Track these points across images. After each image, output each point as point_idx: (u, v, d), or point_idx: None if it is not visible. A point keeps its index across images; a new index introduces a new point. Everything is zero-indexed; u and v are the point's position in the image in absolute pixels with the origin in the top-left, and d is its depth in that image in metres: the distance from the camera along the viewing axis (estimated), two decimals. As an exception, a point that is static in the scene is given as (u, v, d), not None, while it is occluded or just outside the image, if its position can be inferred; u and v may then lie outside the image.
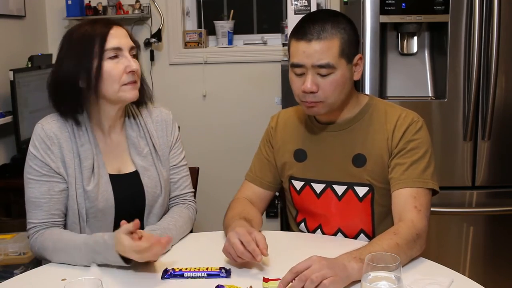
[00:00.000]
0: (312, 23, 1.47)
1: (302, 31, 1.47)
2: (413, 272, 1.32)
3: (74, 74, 1.47)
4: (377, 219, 1.58)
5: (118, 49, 1.48)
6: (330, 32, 1.46)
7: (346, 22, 1.51)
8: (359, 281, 1.13)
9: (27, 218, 1.52)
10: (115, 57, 1.48)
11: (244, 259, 1.34)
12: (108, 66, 1.47)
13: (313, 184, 1.61)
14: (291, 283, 1.18)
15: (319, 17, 1.50)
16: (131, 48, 1.52)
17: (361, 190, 1.56)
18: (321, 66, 1.45)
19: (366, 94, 1.65)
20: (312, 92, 1.47)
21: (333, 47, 1.45)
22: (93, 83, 1.47)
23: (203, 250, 1.54)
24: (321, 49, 1.45)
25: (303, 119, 1.66)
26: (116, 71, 1.48)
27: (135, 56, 1.54)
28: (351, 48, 1.49)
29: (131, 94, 1.52)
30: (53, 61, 3.11)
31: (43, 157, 1.50)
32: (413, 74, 2.49)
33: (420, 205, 1.45)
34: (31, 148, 1.52)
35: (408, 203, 1.45)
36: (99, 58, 1.46)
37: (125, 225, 1.34)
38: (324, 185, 1.60)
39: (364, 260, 1.18)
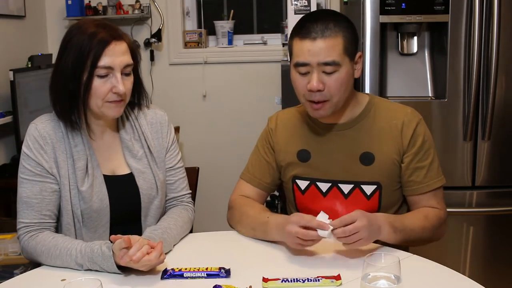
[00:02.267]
0: (315, 22, 1.48)
1: (305, 30, 1.48)
2: (413, 272, 1.32)
3: (66, 79, 1.47)
4: (382, 211, 1.59)
5: (109, 68, 1.46)
6: (334, 30, 1.47)
7: (346, 21, 1.52)
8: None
9: (17, 217, 1.51)
10: (105, 75, 1.46)
11: (314, 240, 1.40)
12: (96, 83, 1.46)
13: (318, 184, 1.61)
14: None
15: (321, 16, 1.51)
16: (126, 66, 1.49)
17: (369, 189, 1.57)
18: (326, 64, 1.46)
19: (366, 93, 1.66)
20: (318, 90, 1.48)
21: (338, 45, 1.47)
22: (81, 95, 1.47)
23: (203, 250, 1.54)
24: (327, 47, 1.46)
25: (304, 119, 1.66)
26: (103, 89, 1.46)
27: (131, 73, 1.52)
28: (353, 46, 1.51)
29: (114, 112, 1.50)
30: (53, 61, 3.12)
31: (36, 157, 1.50)
32: (413, 74, 2.49)
33: (440, 199, 1.61)
34: (24, 148, 1.52)
35: (431, 202, 1.59)
36: (89, 73, 1.45)
37: (117, 242, 1.33)
38: (330, 184, 1.60)
39: (395, 227, 1.43)
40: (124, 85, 1.47)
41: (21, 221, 1.50)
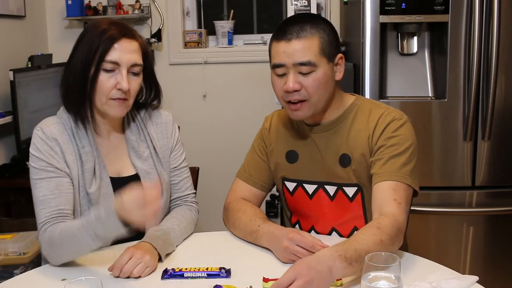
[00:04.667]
0: (291, 25, 1.48)
1: (281, 32, 1.48)
2: (413, 272, 1.32)
3: (76, 73, 1.47)
4: (369, 216, 1.57)
5: (116, 63, 1.45)
6: (310, 31, 1.47)
7: (325, 24, 1.52)
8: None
9: (37, 220, 1.46)
10: (112, 70, 1.46)
11: None
12: (102, 78, 1.45)
13: (305, 185, 1.61)
14: None
15: (298, 19, 1.51)
16: (133, 65, 1.48)
17: (350, 190, 1.56)
18: (302, 64, 1.46)
19: (353, 94, 1.64)
20: (295, 91, 1.47)
21: (313, 46, 1.46)
22: (88, 89, 1.47)
23: (203, 250, 1.54)
24: (302, 47, 1.45)
25: (294, 120, 1.66)
26: (107, 85, 1.46)
27: (139, 74, 1.51)
28: (331, 48, 1.50)
29: (116, 111, 1.49)
30: (53, 61, 3.12)
31: (48, 158, 1.47)
32: (413, 74, 2.49)
33: (400, 198, 1.42)
34: (33, 152, 1.49)
35: (388, 195, 1.43)
36: (96, 67, 1.44)
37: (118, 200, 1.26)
38: (316, 185, 1.60)
39: (348, 258, 1.20)
40: (129, 84, 1.47)
41: (39, 222, 1.45)
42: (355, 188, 1.55)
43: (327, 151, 1.58)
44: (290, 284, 1.13)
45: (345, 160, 1.55)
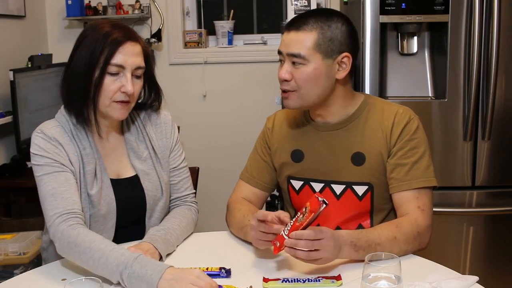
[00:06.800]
0: (302, 16, 1.53)
1: (290, 22, 1.54)
2: (413, 272, 1.32)
3: (78, 76, 1.46)
4: (375, 213, 1.59)
5: (121, 67, 1.46)
6: (311, 25, 1.49)
7: (339, 21, 1.51)
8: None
9: (46, 214, 1.41)
10: (116, 74, 1.46)
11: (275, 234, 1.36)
12: (107, 81, 1.45)
13: (312, 184, 1.61)
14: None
15: (312, 11, 1.56)
16: (137, 68, 1.49)
17: (360, 189, 1.57)
18: (293, 55, 1.49)
19: (362, 93, 1.65)
20: (286, 80, 1.51)
21: (308, 40, 1.48)
22: (92, 92, 1.46)
23: (203, 250, 1.54)
24: (296, 39, 1.49)
25: (299, 119, 1.66)
26: (112, 87, 1.46)
27: (141, 76, 1.52)
28: (332, 45, 1.49)
29: (119, 113, 1.49)
30: (53, 61, 3.12)
31: (52, 155, 1.46)
32: (413, 74, 2.50)
33: (423, 204, 1.50)
34: (35, 151, 1.46)
35: (412, 204, 1.50)
36: (101, 70, 1.44)
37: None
38: (323, 184, 1.60)
39: (357, 246, 1.35)
40: (133, 87, 1.47)
41: (53, 213, 1.39)
42: (366, 187, 1.56)
43: (337, 150, 1.58)
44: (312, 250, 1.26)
45: (358, 159, 1.56)
